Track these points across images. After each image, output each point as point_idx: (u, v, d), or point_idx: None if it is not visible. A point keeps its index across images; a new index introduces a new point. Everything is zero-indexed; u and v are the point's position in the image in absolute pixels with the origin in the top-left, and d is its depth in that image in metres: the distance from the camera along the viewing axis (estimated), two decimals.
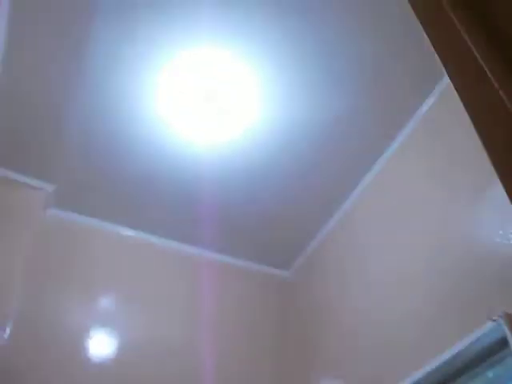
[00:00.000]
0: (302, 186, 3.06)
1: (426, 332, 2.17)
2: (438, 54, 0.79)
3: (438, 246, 2.29)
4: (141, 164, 2.88)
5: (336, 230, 3.22)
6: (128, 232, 3.26)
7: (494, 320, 1.75)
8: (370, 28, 2.34)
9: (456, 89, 0.73)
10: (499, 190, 0.68)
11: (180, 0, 2.19)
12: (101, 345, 2.83)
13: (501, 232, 1.94)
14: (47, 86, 2.53)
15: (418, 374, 2.10)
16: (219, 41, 2.35)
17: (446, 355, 1.98)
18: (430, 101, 2.58)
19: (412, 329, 2.27)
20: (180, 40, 2.34)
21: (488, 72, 0.66)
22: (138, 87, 2.53)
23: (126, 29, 2.30)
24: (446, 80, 2.35)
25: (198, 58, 2.40)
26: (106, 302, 3.00)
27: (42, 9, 2.22)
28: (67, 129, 2.70)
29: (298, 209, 3.20)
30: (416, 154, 2.67)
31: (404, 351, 2.29)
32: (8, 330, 2.50)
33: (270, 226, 3.29)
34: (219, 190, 3.04)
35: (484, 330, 1.82)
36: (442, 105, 2.52)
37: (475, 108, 0.70)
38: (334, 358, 2.85)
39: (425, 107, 2.62)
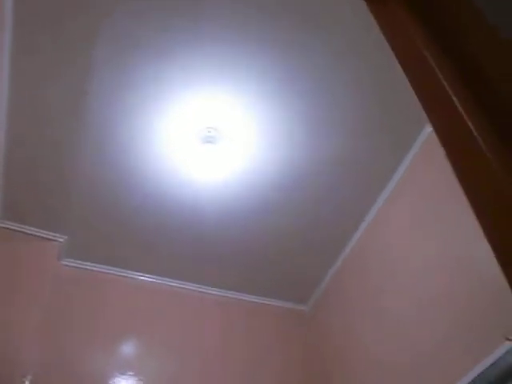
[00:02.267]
0: (311, 221, 3.09)
1: (447, 356, 2.15)
2: (418, 98, 0.83)
3: (455, 268, 2.26)
4: (149, 209, 2.94)
5: (350, 260, 3.22)
6: (142, 277, 3.29)
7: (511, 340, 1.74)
8: (368, 75, 2.41)
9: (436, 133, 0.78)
10: None
11: (180, 45, 2.26)
12: None
13: None
14: (53, 140, 2.62)
15: None
16: (218, 84, 2.42)
17: (467, 378, 1.96)
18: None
19: (434, 354, 2.25)
20: (180, 84, 2.41)
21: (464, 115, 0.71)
22: (144, 134, 2.61)
23: (127, 76, 2.38)
24: None
25: (199, 102, 2.47)
26: (126, 349, 3.01)
27: (41, 65, 2.32)
28: (76, 180, 2.78)
29: (310, 243, 3.22)
30: (428, 172, 2.67)
31: (428, 376, 2.26)
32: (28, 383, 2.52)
33: (284, 261, 3.31)
34: (229, 230, 3.08)
35: (502, 351, 1.81)
36: None
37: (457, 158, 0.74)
38: None
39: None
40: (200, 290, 3.41)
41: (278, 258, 3.31)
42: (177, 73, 2.35)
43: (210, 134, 2.56)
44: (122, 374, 2.87)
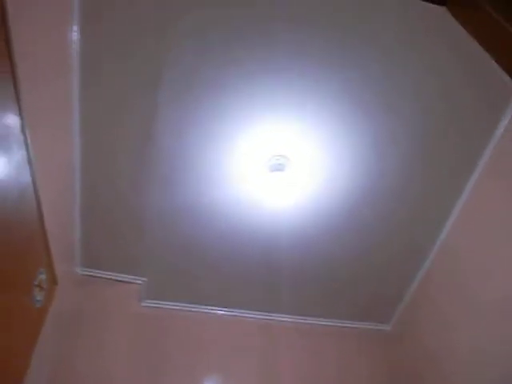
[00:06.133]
0: (385, 239, 3.01)
1: None
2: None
3: None
4: (223, 242, 2.94)
5: (430, 274, 3.10)
6: (221, 311, 3.28)
7: None
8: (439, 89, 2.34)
9: None
10: None
11: (244, 78, 2.27)
12: None
13: None
14: (123, 185, 2.67)
15: None
16: (283, 112, 2.40)
17: None
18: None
19: None
20: (246, 117, 2.41)
21: None
22: (213, 169, 2.62)
23: (192, 114, 2.39)
24: None
25: (265, 132, 2.46)
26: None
27: (107, 110, 2.38)
28: (149, 221, 2.81)
29: (386, 261, 3.13)
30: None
31: None
32: None
33: (362, 282, 3.23)
34: (304, 255, 3.05)
35: None
36: None
37: None
38: None
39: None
40: (278, 318, 3.36)
41: (355, 280, 3.24)
42: (242, 106, 2.35)
43: (279, 161, 2.54)
44: None
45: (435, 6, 1.84)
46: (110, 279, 3.01)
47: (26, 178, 1.64)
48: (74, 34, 2.04)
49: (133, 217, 2.81)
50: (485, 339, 2.53)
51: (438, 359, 2.91)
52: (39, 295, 1.84)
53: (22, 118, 1.53)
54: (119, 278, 3.02)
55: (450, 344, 2.82)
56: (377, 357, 3.37)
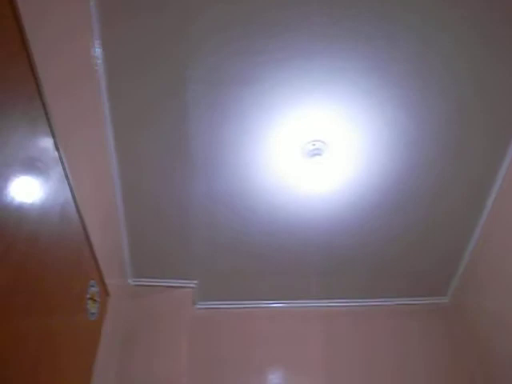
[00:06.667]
0: (432, 212, 2.90)
1: None
2: None
3: None
4: (269, 235, 2.91)
5: (483, 240, 2.96)
6: (274, 305, 3.25)
7: None
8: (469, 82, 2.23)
9: None
10: None
11: (274, 65, 2.21)
12: None
13: None
14: (166, 189, 2.67)
15: None
16: (318, 97, 2.34)
17: None
18: None
19: None
20: (280, 105, 2.36)
21: None
22: (250, 162, 2.59)
23: (225, 110, 2.37)
24: None
25: (301, 118, 2.41)
26: (274, 377, 2.98)
27: (138, 117, 2.39)
28: (194, 222, 2.81)
29: (436, 234, 3.02)
30: None
31: None
32: None
33: (412, 257, 3.13)
34: (349, 238, 2.98)
35: None
36: None
37: None
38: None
39: None
40: (331, 304, 3.31)
41: (403, 256, 3.13)
42: (272, 94, 2.30)
43: (315, 146, 2.48)
44: None
45: None
46: (162, 286, 3.04)
47: (66, 193, 1.66)
48: (97, 47, 2.06)
49: (176, 220, 2.81)
50: None
51: (505, 322, 2.76)
52: (93, 308, 1.86)
53: (53, 136, 1.55)
54: (170, 284, 3.04)
55: (506, 317, 2.68)
56: (437, 331, 3.24)
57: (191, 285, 3.08)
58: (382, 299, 3.35)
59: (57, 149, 1.58)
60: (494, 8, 2.04)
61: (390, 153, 2.60)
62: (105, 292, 2.10)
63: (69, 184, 1.68)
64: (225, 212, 2.81)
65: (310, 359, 3.06)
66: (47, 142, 1.52)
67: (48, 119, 1.50)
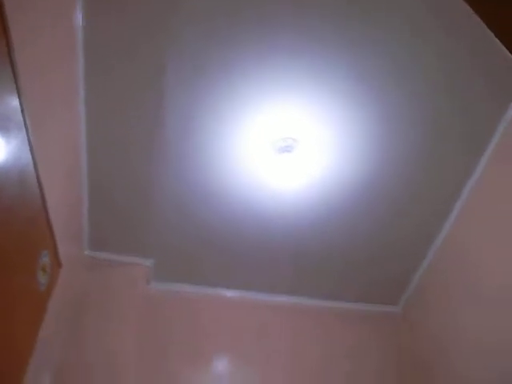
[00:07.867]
0: (394, 221, 2.98)
1: None
2: None
3: None
4: (232, 224, 2.92)
5: (439, 257, 3.06)
6: (230, 293, 3.28)
7: None
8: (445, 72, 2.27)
9: None
10: None
11: (250, 59, 2.21)
12: None
13: None
14: (132, 165, 2.64)
15: None
16: (291, 94, 2.35)
17: None
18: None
19: None
20: (254, 99, 2.36)
21: None
22: (221, 151, 2.58)
23: (201, 96, 2.35)
24: None
25: (273, 114, 2.41)
26: (220, 366, 3.02)
27: (114, 97, 2.35)
28: (157, 203, 2.80)
29: (395, 243, 3.10)
30: None
31: None
32: None
33: (372, 264, 3.21)
34: (314, 237, 3.02)
35: None
36: None
37: None
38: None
39: None
40: (290, 300, 3.36)
41: (364, 262, 3.22)
42: (249, 88, 2.30)
43: (286, 143, 2.49)
44: None
45: None
46: (118, 261, 3.01)
47: (26, 158, 1.62)
48: (79, 21, 2.00)
49: (141, 199, 2.79)
50: (490, 327, 2.49)
51: (444, 346, 2.89)
52: (43, 278, 1.83)
53: (20, 100, 1.50)
54: (127, 260, 3.02)
55: (455, 331, 2.80)
56: (386, 338, 3.37)
57: (147, 263, 3.06)
58: (339, 301, 3.43)
59: (22, 113, 1.54)
60: (476, 22, 2.08)
61: (360, 153, 2.65)
62: (57, 263, 2.07)
63: (31, 150, 1.64)
64: (192, 198, 2.80)
65: (253, 352, 3.10)
66: (13, 105, 1.48)
67: (16, 82, 1.46)
